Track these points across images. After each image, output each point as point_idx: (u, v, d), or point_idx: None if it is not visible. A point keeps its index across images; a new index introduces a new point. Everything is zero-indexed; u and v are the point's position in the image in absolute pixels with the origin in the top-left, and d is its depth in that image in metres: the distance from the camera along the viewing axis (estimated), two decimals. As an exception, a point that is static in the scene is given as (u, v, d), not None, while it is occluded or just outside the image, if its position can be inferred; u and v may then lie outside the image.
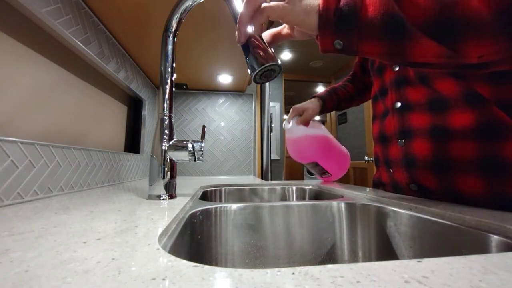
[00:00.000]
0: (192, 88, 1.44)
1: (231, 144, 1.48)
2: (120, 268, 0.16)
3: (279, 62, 0.37)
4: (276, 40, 0.42)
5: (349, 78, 0.86)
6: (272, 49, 0.39)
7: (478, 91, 0.39)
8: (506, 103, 0.37)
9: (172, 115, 0.49)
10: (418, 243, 0.37)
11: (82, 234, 0.23)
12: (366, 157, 2.34)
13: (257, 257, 0.45)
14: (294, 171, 4.10)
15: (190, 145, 0.47)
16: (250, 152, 1.49)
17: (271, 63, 0.36)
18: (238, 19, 0.35)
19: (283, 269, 0.16)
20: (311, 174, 4.34)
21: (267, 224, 0.46)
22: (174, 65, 0.50)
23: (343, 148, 0.85)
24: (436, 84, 0.44)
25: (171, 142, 0.47)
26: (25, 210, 0.35)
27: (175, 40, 0.50)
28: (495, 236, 0.27)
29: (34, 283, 0.14)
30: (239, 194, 0.81)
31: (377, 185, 0.62)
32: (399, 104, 0.50)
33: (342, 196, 0.57)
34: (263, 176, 1.50)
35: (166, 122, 0.48)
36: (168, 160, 0.47)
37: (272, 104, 3.38)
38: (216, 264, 0.43)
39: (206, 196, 0.74)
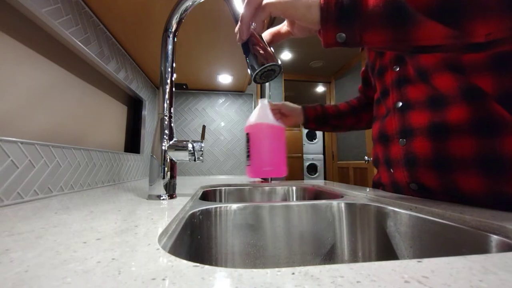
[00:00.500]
0: (192, 88, 1.44)
1: (231, 144, 1.48)
2: (120, 268, 0.16)
3: (279, 62, 0.37)
4: (276, 39, 0.42)
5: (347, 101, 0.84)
6: (272, 49, 0.39)
7: (477, 84, 0.39)
8: (508, 94, 0.37)
9: (172, 115, 0.49)
10: (418, 243, 0.37)
11: (82, 234, 0.23)
12: (366, 157, 2.34)
13: (257, 257, 0.45)
14: (294, 171, 4.10)
15: (190, 145, 0.47)
16: (250, 152, 1.49)
17: (271, 63, 0.36)
18: (240, 19, 0.35)
19: (283, 269, 0.16)
20: (310, 174, 4.34)
21: (267, 224, 0.46)
22: (174, 65, 0.50)
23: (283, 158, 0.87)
24: (434, 80, 0.44)
25: (171, 142, 0.47)
26: (25, 210, 0.35)
27: (175, 40, 0.50)
28: (495, 236, 0.27)
29: (34, 283, 0.14)
30: (239, 194, 0.81)
31: (377, 185, 0.62)
32: (400, 104, 0.50)
33: (342, 196, 0.57)
34: (263, 176, 1.50)
35: (166, 122, 0.48)
36: (168, 160, 0.47)
37: (272, 104, 3.37)
38: (216, 264, 0.43)
39: (206, 196, 0.74)
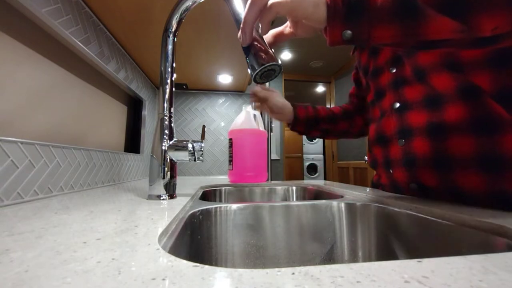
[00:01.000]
0: (192, 88, 1.44)
1: (231, 144, 1.48)
2: (120, 268, 0.16)
3: (279, 62, 0.37)
4: (279, 40, 0.42)
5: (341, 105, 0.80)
6: (272, 49, 0.39)
7: (475, 83, 0.39)
8: (506, 92, 0.37)
9: (172, 115, 0.49)
10: (418, 243, 0.37)
11: (82, 234, 0.23)
12: (366, 157, 2.34)
13: (257, 257, 0.45)
14: (294, 171, 4.10)
15: (190, 145, 0.47)
16: (250, 152, 1.49)
17: (271, 63, 0.36)
18: (243, 20, 0.35)
19: (283, 269, 0.16)
20: (310, 174, 4.34)
21: (267, 224, 0.46)
22: (174, 65, 0.50)
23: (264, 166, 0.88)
24: (432, 80, 0.44)
25: (171, 142, 0.47)
26: (25, 210, 0.35)
27: (175, 40, 0.50)
28: (495, 236, 0.27)
29: (34, 283, 0.14)
30: (239, 194, 0.81)
31: (377, 186, 0.62)
32: (398, 105, 0.50)
33: (342, 196, 0.57)
34: (263, 176, 1.50)
35: (166, 122, 0.48)
36: (168, 160, 0.47)
37: (272, 104, 3.37)
38: (216, 264, 0.43)
39: (206, 196, 0.74)
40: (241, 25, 0.35)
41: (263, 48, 0.37)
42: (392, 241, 0.41)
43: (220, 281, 0.14)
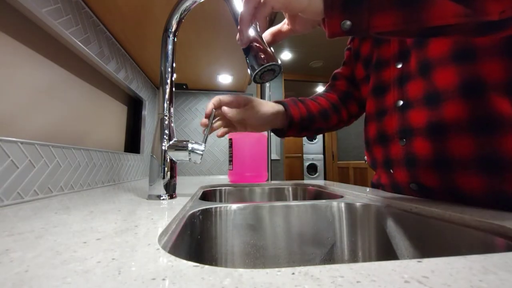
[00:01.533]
0: (192, 88, 1.44)
1: (231, 144, 1.48)
2: (120, 268, 0.16)
3: (279, 62, 0.37)
4: (277, 38, 0.42)
5: (321, 93, 0.71)
6: (272, 49, 0.39)
7: (481, 75, 0.38)
8: None
9: (172, 115, 0.49)
10: (418, 243, 0.37)
11: (82, 234, 0.23)
12: (365, 157, 2.35)
13: (257, 257, 0.45)
14: (294, 171, 4.10)
15: (190, 145, 0.47)
16: (250, 152, 1.49)
17: (271, 63, 0.36)
18: (239, 19, 0.34)
19: (283, 269, 0.16)
20: (310, 174, 4.34)
21: (267, 224, 0.46)
22: (174, 65, 0.50)
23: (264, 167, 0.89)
24: (435, 74, 0.43)
25: (171, 142, 0.47)
26: (25, 210, 0.35)
27: (175, 40, 0.50)
28: (495, 236, 0.27)
29: (34, 283, 0.14)
30: (239, 194, 0.81)
31: (377, 186, 0.62)
32: (401, 103, 0.49)
33: (342, 196, 0.57)
34: (263, 176, 1.50)
35: (166, 122, 0.48)
36: (168, 160, 0.47)
37: (272, 104, 3.37)
38: (216, 264, 0.43)
39: (206, 196, 0.74)
40: (238, 23, 0.35)
41: (262, 48, 0.37)
42: (392, 241, 0.41)
43: (220, 281, 0.14)
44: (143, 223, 0.28)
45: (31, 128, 0.49)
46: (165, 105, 0.48)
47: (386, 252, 0.42)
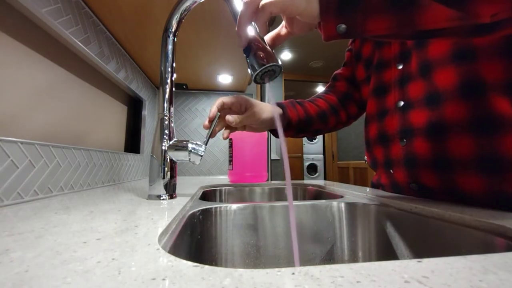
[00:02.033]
0: (192, 88, 1.44)
1: (231, 144, 1.48)
2: (120, 268, 0.16)
3: (280, 62, 0.37)
4: (277, 42, 0.42)
5: (320, 94, 0.70)
6: (272, 49, 0.39)
7: (481, 75, 0.38)
8: None
9: (172, 115, 0.49)
10: (418, 243, 0.37)
11: (82, 234, 0.23)
12: (365, 157, 2.35)
13: (257, 257, 0.45)
14: (294, 171, 4.10)
15: (190, 145, 0.47)
16: (250, 152, 1.49)
17: (271, 64, 0.36)
18: (237, 23, 0.35)
19: (283, 269, 0.16)
20: (310, 174, 4.35)
21: (267, 224, 0.46)
22: (174, 65, 0.50)
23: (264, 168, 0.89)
24: (435, 75, 0.43)
25: (171, 142, 0.47)
26: (25, 210, 0.35)
27: (175, 40, 0.50)
28: (495, 236, 0.27)
29: (34, 283, 0.14)
30: (239, 194, 0.81)
31: (377, 186, 0.62)
32: (402, 103, 0.49)
33: (342, 196, 0.57)
34: (263, 176, 1.50)
35: (166, 122, 0.48)
36: (168, 160, 0.47)
37: (272, 104, 3.37)
38: (216, 264, 0.43)
39: (206, 196, 0.74)
40: (236, 28, 0.35)
41: (263, 49, 0.37)
42: (392, 241, 0.41)
43: (220, 281, 0.14)
44: (143, 223, 0.27)
45: (31, 128, 0.49)
46: (165, 105, 0.48)
47: (386, 252, 0.42)
